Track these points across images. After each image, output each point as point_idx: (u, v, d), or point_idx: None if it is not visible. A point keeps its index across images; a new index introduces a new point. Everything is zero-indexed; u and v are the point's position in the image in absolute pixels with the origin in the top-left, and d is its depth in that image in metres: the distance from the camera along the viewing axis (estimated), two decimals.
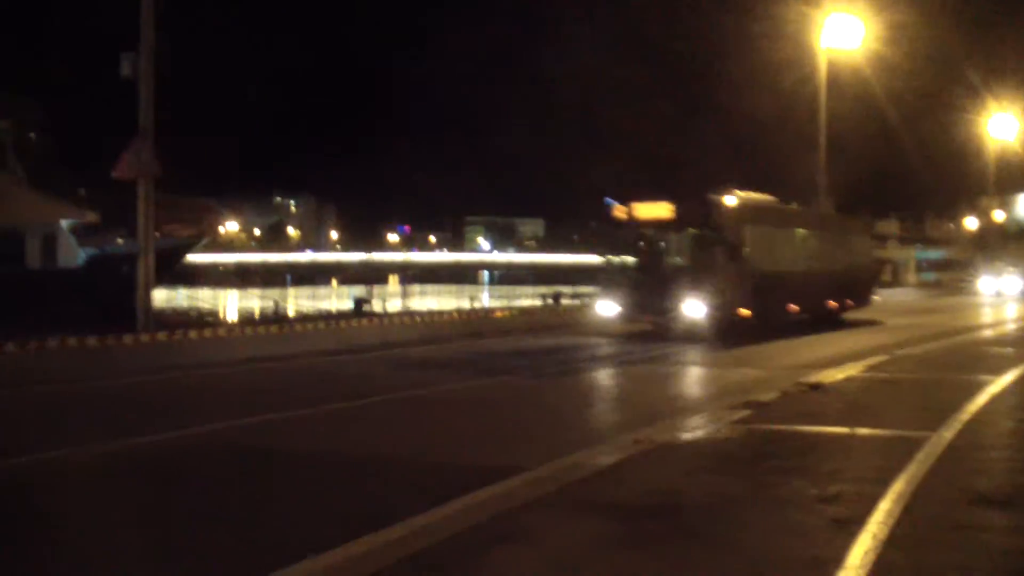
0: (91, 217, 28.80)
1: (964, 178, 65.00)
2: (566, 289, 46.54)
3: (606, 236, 23.82)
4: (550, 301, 39.16)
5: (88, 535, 6.60)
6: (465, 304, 39.93)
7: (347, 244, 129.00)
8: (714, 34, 41.07)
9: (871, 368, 14.55)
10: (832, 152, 42.02)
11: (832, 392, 11.92)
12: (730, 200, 22.22)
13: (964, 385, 12.39)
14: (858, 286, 29.41)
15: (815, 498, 6.64)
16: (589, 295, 29.22)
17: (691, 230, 22.05)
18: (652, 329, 22.36)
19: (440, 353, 18.85)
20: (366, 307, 32.42)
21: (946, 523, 6.02)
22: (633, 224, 22.60)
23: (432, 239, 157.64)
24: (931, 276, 78.08)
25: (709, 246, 21.57)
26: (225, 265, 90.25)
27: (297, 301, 49.45)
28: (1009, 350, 17.97)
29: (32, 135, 32.49)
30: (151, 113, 19.28)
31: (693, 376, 16.60)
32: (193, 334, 20.14)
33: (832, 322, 26.50)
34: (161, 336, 19.33)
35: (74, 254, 27.27)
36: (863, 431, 9.18)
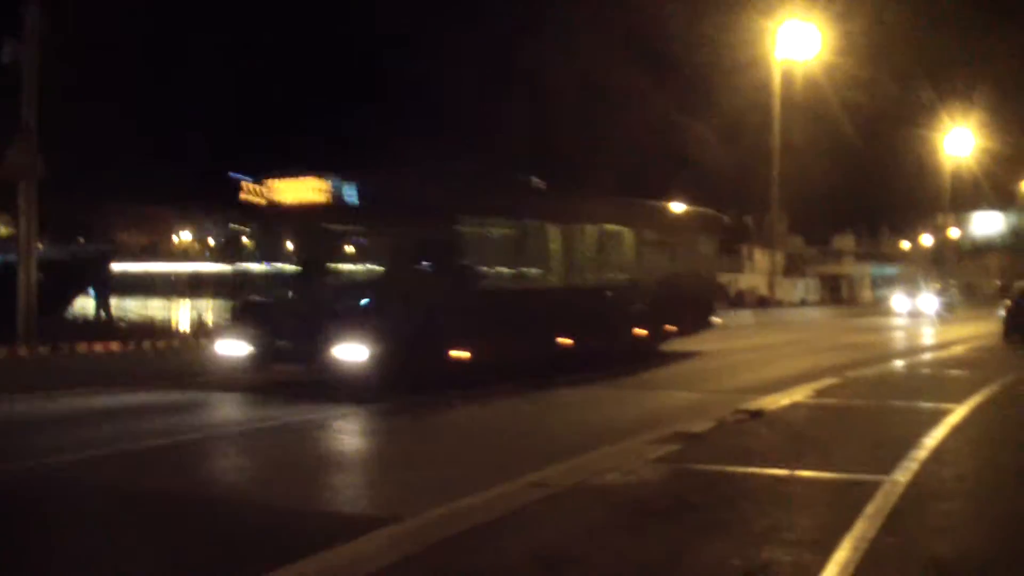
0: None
1: (920, 194, 64.71)
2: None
3: (237, 231, 15.48)
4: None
5: None
6: None
7: None
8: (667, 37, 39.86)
9: (820, 393, 13.31)
10: (786, 164, 41.24)
11: (775, 421, 10.63)
12: (430, 175, 15.57)
13: (921, 415, 11.18)
14: (687, 306, 21.14)
15: (739, 571, 5.29)
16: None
17: (357, 223, 14.18)
18: (307, 379, 14.42)
19: None
20: None
21: None
22: (272, 212, 14.08)
23: None
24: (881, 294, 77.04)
25: (404, 249, 13.98)
26: (178, 274, 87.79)
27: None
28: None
29: None
30: (34, 107, 17.56)
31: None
32: (82, 348, 18.27)
33: (638, 356, 18.76)
34: (43, 350, 17.56)
35: None
36: (805, 474, 7.85)
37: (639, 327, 19.20)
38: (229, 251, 15.87)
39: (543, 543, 5.88)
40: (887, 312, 50.22)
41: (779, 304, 47.40)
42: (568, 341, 16.68)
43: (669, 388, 15.73)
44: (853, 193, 63.33)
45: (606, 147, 42.79)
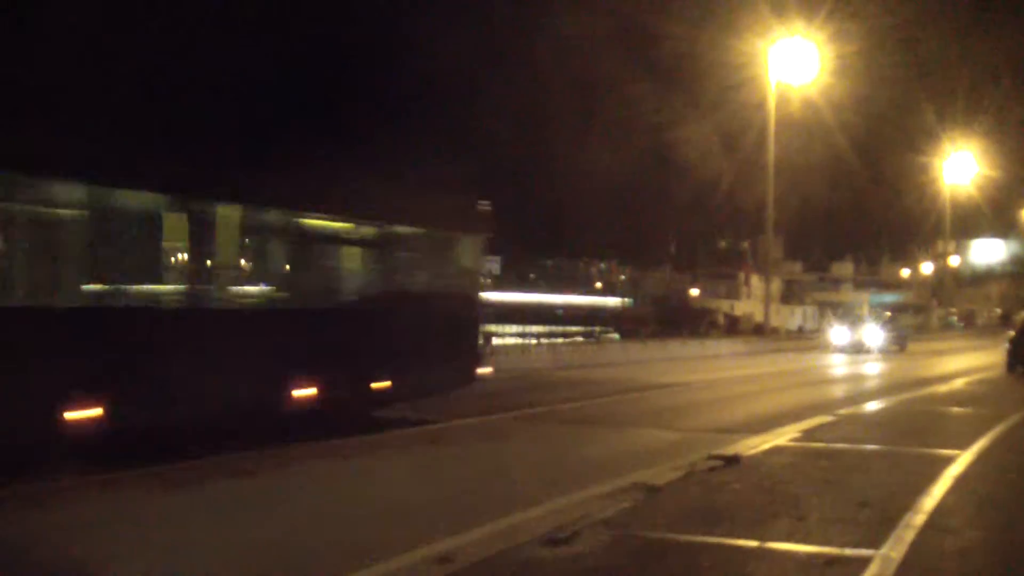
0: None
1: (920, 221, 63.61)
2: None
3: None
4: None
5: None
6: None
7: None
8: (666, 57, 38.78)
9: (807, 434, 11.92)
10: (784, 190, 40.07)
11: (752, 470, 9.25)
12: None
13: (919, 463, 9.82)
14: (421, 345, 13.29)
15: None
16: None
17: None
18: None
19: None
20: None
21: None
22: None
23: None
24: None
25: None
26: None
27: None
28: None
29: None
30: None
31: None
32: None
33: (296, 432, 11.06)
34: None
35: None
36: (777, 547, 6.46)
37: (308, 383, 11.59)
38: None
39: None
40: (821, 346, 39.52)
41: (775, 332, 45.91)
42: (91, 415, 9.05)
43: (644, 426, 14.34)
44: (853, 220, 62.22)
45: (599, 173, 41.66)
